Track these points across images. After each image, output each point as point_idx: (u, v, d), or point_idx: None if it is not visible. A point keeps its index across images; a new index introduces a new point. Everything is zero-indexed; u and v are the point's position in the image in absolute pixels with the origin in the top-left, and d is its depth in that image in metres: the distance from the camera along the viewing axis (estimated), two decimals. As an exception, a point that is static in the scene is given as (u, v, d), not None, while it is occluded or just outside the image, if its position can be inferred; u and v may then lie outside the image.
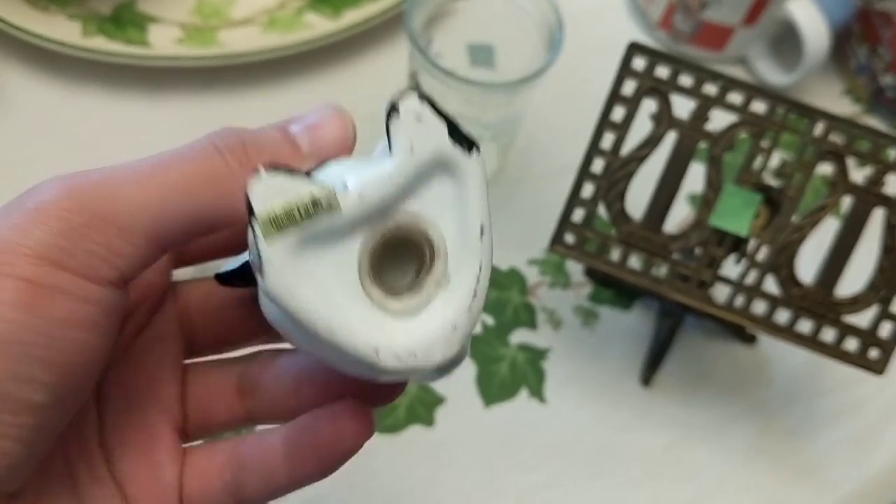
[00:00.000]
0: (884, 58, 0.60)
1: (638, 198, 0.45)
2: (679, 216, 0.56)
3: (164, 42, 0.57)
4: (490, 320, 0.52)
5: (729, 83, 0.43)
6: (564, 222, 0.45)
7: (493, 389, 0.50)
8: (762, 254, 0.44)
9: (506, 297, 0.53)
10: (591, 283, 0.54)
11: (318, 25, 0.59)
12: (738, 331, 0.53)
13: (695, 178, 0.45)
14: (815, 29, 0.57)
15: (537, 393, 0.50)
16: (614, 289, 0.54)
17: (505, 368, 0.50)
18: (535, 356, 0.51)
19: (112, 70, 0.57)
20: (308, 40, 0.58)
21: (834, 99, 0.65)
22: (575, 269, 0.54)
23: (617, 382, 0.51)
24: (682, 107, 0.43)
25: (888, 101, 0.62)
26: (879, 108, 0.63)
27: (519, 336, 0.52)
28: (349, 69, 0.61)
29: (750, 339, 0.53)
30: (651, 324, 0.53)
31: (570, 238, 0.45)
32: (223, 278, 0.28)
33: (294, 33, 0.58)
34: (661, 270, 0.44)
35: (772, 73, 0.63)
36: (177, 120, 0.57)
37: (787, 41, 0.63)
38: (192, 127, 0.58)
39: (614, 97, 0.43)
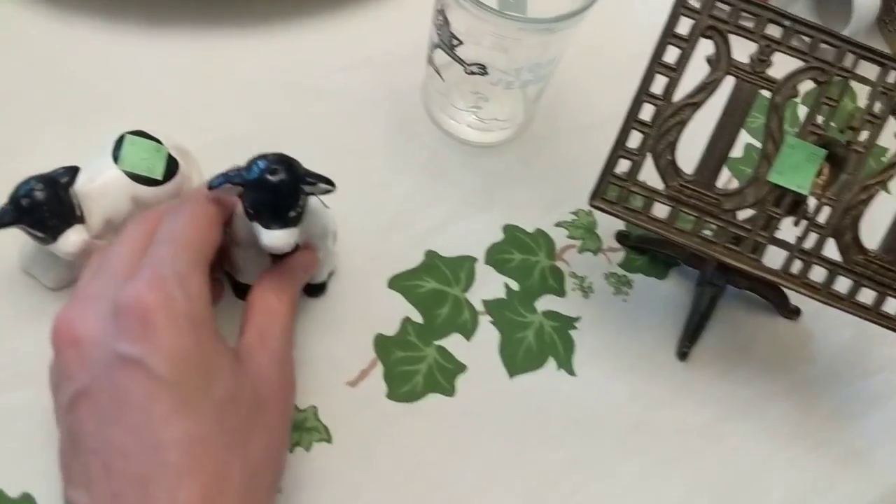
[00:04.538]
0: (941, 17, 0.56)
1: (686, 152, 0.41)
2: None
3: (166, -28, 0.52)
4: (514, 285, 0.48)
5: (795, 23, 0.39)
6: (607, 174, 0.41)
7: (519, 359, 0.46)
8: (824, 215, 0.40)
9: (531, 260, 0.49)
10: (623, 249, 0.50)
11: (335, -38, 0.54)
12: (781, 303, 0.49)
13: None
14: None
15: (566, 364, 0.46)
16: (648, 255, 0.50)
17: (531, 337, 0.46)
18: (564, 324, 0.47)
19: None
20: (324, -23, 0.53)
21: (880, 64, 0.62)
22: (606, 232, 0.50)
23: (651, 355, 0.47)
24: (742, 49, 0.39)
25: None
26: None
27: (546, 303, 0.48)
28: (366, 10, 0.56)
29: (793, 313, 0.49)
30: (688, 294, 0.49)
31: (612, 192, 0.41)
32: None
33: (308, -30, 0.54)
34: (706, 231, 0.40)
35: (816, 34, 0.59)
36: (176, 56, 0.53)
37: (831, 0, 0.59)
38: (192, 64, 0.54)
39: (668, 36, 0.39)
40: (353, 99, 0.53)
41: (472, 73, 0.46)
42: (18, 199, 0.39)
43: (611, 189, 0.40)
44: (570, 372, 0.46)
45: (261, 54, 0.54)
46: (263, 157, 0.37)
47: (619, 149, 0.40)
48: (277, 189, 0.37)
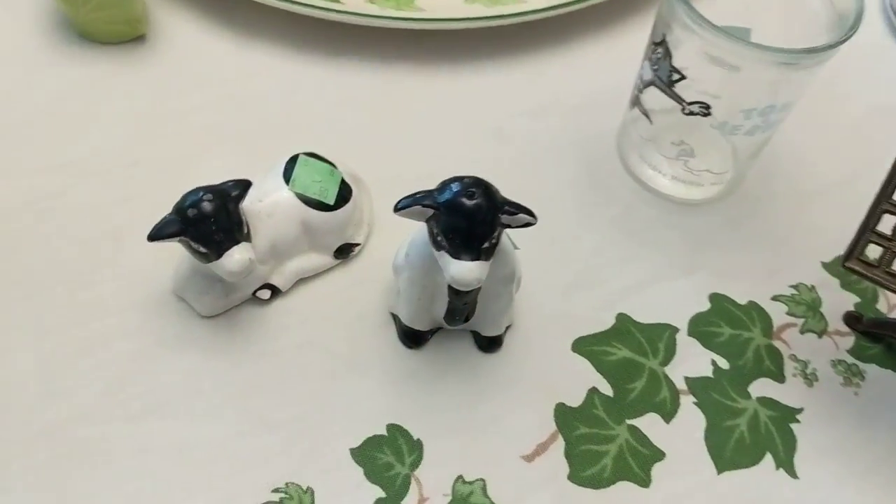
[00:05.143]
0: None
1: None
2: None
3: (355, -1, 0.49)
4: (724, 363, 0.41)
5: None
6: (866, 231, 0.33)
7: (728, 451, 0.38)
8: None
9: (744, 336, 0.42)
10: (853, 334, 0.42)
11: (532, -2, 0.50)
12: None
13: None
14: None
15: (786, 463, 0.38)
16: (884, 343, 0.42)
17: (744, 426, 0.39)
18: (784, 416, 0.39)
19: (291, 24, 0.50)
20: (518, 13, 0.49)
21: None
22: (833, 312, 0.43)
23: (890, 461, 0.39)
24: None
25: None
26: None
27: (761, 388, 0.40)
28: (561, 50, 0.52)
29: None
30: (934, 393, 0.40)
31: (871, 253, 0.33)
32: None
33: (502, 5, 0.50)
34: None
35: None
36: (357, 88, 0.49)
37: None
38: (372, 97, 0.49)
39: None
40: (538, 144, 0.48)
41: (692, 113, 0.40)
42: (185, 210, 0.35)
43: (871, 250, 0.33)
44: (791, 473, 0.38)
45: (442, 92, 0.50)
46: (459, 178, 0.32)
47: (883, 201, 0.33)
48: (473, 214, 0.31)
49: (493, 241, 0.32)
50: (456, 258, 0.32)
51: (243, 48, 0.50)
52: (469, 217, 0.31)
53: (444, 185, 0.33)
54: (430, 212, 0.32)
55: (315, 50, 0.50)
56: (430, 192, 0.33)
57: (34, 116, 0.46)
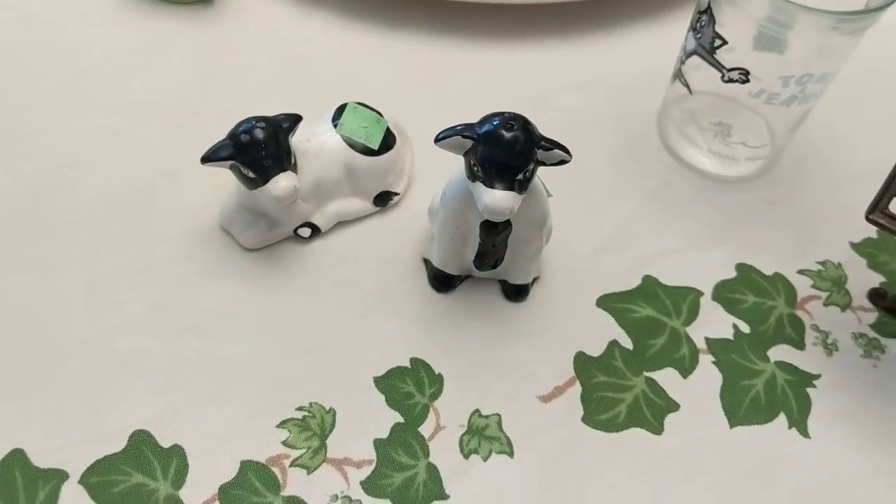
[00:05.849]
0: None
1: None
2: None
3: (414, -31, 0.52)
4: (745, 327, 0.41)
5: None
6: (892, 184, 0.34)
7: (743, 408, 0.39)
8: None
9: (767, 304, 0.42)
10: (876, 310, 0.43)
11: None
12: None
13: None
14: None
15: (799, 423, 0.39)
16: (908, 322, 0.42)
17: (760, 386, 0.40)
18: (801, 380, 0.40)
19: (351, -7, 0.53)
20: (570, -10, 0.51)
21: None
22: (858, 289, 0.43)
23: (905, 433, 0.39)
24: None
25: None
26: None
27: (781, 353, 0.41)
28: (609, 32, 0.54)
29: None
30: (955, 373, 0.41)
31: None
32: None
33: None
34: None
35: None
36: (406, 56, 0.52)
37: None
38: (420, 66, 0.52)
39: None
40: (581, 117, 0.50)
41: (731, 80, 0.41)
42: (238, 135, 0.38)
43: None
44: (804, 433, 0.38)
45: (490, 65, 0.52)
46: (500, 113, 0.34)
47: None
48: (511, 145, 0.33)
49: (528, 174, 0.34)
50: (490, 188, 0.33)
51: (304, 15, 0.53)
52: (506, 148, 0.33)
53: (485, 119, 0.34)
54: (469, 144, 0.34)
55: (371, 20, 0.53)
56: (470, 125, 0.34)
57: (105, 63, 0.50)
